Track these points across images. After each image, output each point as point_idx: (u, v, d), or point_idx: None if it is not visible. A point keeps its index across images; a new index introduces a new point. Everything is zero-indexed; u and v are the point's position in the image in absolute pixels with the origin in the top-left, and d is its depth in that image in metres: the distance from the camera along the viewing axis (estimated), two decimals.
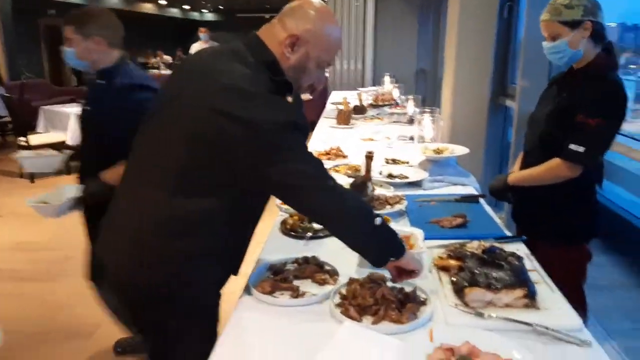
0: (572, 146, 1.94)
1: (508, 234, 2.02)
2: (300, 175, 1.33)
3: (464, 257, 1.65)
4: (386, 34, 8.52)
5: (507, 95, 4.29)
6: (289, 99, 1.45)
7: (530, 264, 1.72)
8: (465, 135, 4.05)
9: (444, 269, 1.68)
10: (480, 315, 1.41)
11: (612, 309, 3.16)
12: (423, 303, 1.50)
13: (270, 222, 2.13)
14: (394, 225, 1.99)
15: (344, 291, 1.54)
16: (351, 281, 1.57)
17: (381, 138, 3.96)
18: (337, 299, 1.51)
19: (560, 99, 2.09)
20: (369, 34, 8.55)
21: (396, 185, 2.64)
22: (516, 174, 2.23)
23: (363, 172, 2.30)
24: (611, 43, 2.04)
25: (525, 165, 2.25)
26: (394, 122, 4.63)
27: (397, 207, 2.29)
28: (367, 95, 5.77)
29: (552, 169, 2.03)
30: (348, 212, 1.43)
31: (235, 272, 1.61)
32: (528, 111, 2.46)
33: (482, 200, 2.41)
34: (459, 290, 1.50)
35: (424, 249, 1.75)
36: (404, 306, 1.45)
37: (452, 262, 1.67)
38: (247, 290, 1.55)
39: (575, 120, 1.95)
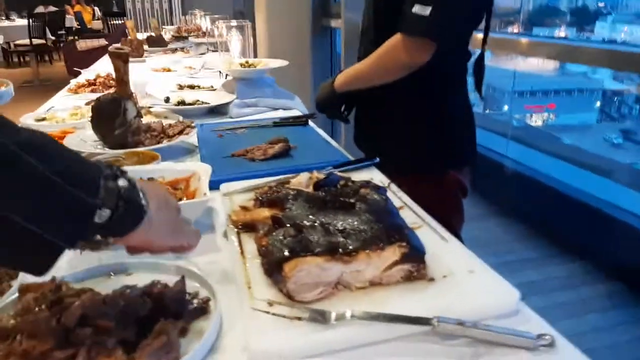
0: (416, 8, 1.23)
1: (351, 158, 1.29)
2: None
3: (282, 200, 0.86)
4: None
5: (330, 16, 3.63)
6: None
7: (395, 196, 1.00)
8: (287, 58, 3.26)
9: (248, 228, 0.87)
10: (322, 318, 0.63)
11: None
12: (200, 312, 0.68)
13: None
14: (158, 166, 1.11)
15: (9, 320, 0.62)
16: (24, 289, 0.66)
17: (181, 69, 2.99)
18: None
19: None
20: None
21: (188, 115, 1.74)
22: (343, 73, 1.48)
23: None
24: None
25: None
26: (202, 54, 3.67)
27: (181, 140, 1.41)
28: (170, 29, 4.67)
29: (388, 52, 1.30)
30: None
31: None
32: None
33: (312, 124, 1.66)
34: (273, 269, 0.70)
35: (209, 197, 0.91)
36: (144, 333, 0.60)
37: (263, 214, 0.86)
38: None
39: None
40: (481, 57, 1.47)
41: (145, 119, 1.52)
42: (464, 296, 0.67)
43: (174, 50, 3.86)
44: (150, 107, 1.83)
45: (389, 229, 0.73)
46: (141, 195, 0.58)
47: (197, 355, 0.60)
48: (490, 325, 0.61)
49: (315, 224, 0.75)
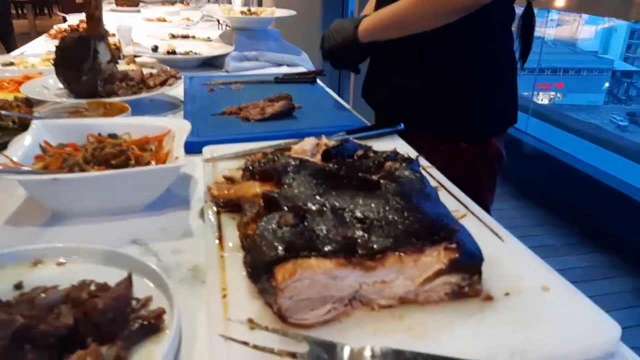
0: None
1: (367, 123, 1.05)
2: None
3: (279, 172, 0.62)
4: None
5: None
6: None
7: (427, 174, 0.77)
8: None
9: (232, 207, 0.65)
10: (329, 355, 0.41)
11: None
12: (148, 331, 0.46)
13: None
14: (124, 120, 0.89)
15: None
16: None
17: (177, 20, 2.72)
18: None
19: None
20: None
21: (178, 67, 1.49)
22: (371, 18, 1.18)
23: None
24: None
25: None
26: (201, 7, 3.39)
27: (162, 92, 1.17)
28: None
29: None
30: None
31: None
32: None
33: (321, 83, 1.42)
34: (260, 273, 0.48)
35: (181, 162, 0.68)
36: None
37: (252, 189, 0.63)
38: None
39: None
40: (530, 13, 1.20)
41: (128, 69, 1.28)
42: (541, 330, 0.45)
43: (173, 2, 3.58)
44: (134, 56, 1.59)
45: (430, 222, 0.50)
46: None
47: None
48: None
49: (325, 209, 0.52)
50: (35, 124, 0.76)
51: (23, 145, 0.70)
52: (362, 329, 0.45)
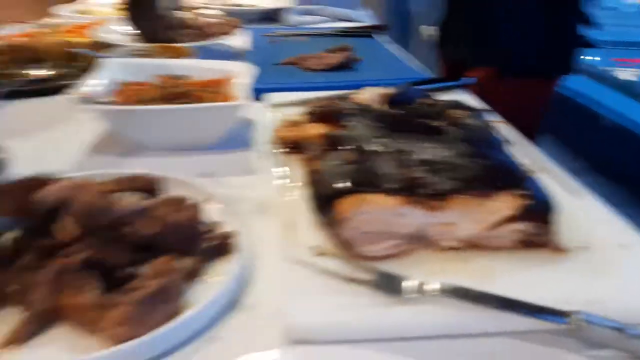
0: None
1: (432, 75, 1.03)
2: None
3: (342, 115, 0.63)
4: None
5: None
6: None
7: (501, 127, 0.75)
8: None
9: (296, 148, 0.66)
10: (392, 285, 0.42)
11: None
12: (220, 250, 0.48)
13: None
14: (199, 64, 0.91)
15: None
16: None
17: None
18: None
19: None
20: None
21: (239, 18, 1.49)
22: None
23: None
24: None
25: None
26: None
27: (227, 40, 1.18)
28: None
29: None
30: None
31: None
32: None
33: (381, 38, 1.38)
34: (324, 205, 0.49)
35: (244, 101, 0.70)
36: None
37: (315, 130, 0.64)
38: None
39: None
40: None
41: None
42: (618, 283, 0.43)
43: None
44: (199, 7, 1.61)
45: (499, 168, 0.49)
46: None
47: (207, 312, 0.41)
48: None
49: (388, 150, 0.52)
50: (108, 63, 0.80)
51: (100, 81, 0.73)
52: (425, 267, 0.46)
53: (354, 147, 0.53)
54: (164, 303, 0.41)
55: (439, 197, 0.47)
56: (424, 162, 0.50)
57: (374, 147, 0.53)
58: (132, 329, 0.38)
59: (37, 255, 0.42)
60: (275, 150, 0.66)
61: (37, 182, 0.45)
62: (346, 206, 0.45)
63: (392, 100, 0.69)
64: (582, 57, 1.24)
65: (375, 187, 0.46)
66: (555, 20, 1.15)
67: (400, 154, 0.51)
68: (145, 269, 0.43)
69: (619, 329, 0.37)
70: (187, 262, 0.45)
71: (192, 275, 0.45)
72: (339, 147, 0.54)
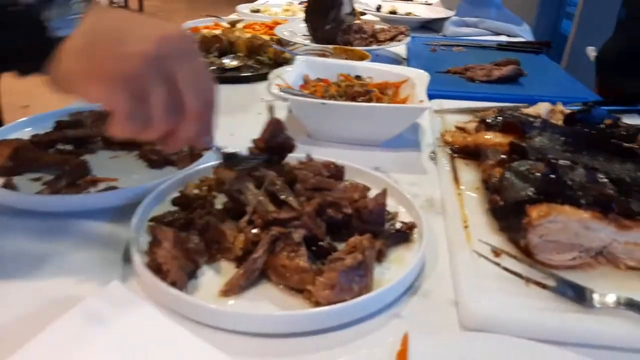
0: None
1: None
2: None
3: (525, 124, 0.64)
4: None
5: None
6: None
7: None
8: None
9: (465, 153, 0.69)
10: (578, 295, 0.43)
11: None
12: (401, 238, 0.53)
13: None
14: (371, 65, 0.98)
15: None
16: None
17: None
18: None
19: None
20: None
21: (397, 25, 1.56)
22: None
23: None
24: None
25: None
26: None
27: (391, 47, 1.24)
28: None
29: None
30: None
31: None
32: None
33: (544, 56, 1.35)
34: (508, 211, 0.51)
35: (426, 104, 0.74)
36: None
37: (493, 139, 0.67)
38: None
39: None
40: None
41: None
42: None
43: None
44: (361, 13, 1.70)
45: None
46: None
47: (397, 289, 0.46)
48: None
49: (577, 166, 0.53)
50: (299, 59, 0.90)
51: (292, 75, 0.83)
52: (606, 282, 0.46)
53: (542, 158, 0.55)
54: (360, 276, 0.46)
55: (631, 217, 0.47)
56: (615, 182, 0.51)
57: (562, 161, 0.54)
58: (337, 294, 0.44)
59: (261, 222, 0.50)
60: (444, 153, 0.70)
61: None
62: (536, 213, 0.47)
63: (572, 118, 0.69)
64: None
65: (566, 199, 0.48)
66: None
67: (591, 170, 0.52)
68: (343, 245, 0.49)
69: None
70: (377, 243, 0.51)
71: (379, 256, 0.51)
72: (523, 157, 0.56)
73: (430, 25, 1.69)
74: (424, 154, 0.78)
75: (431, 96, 0.93)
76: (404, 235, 0.54)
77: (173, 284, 0.43)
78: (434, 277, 0.50)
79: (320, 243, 0.49)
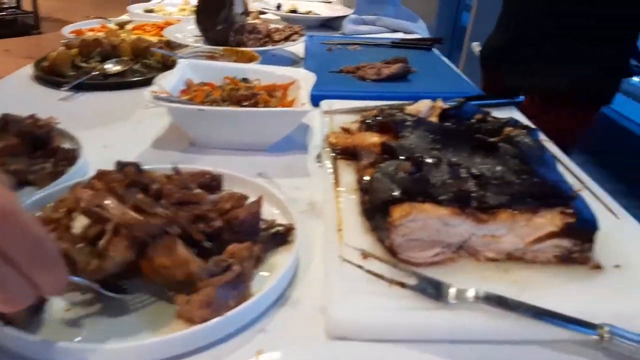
0: None
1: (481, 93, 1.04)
2: None
3: (397, 125, 0.66)
4: None
5: None
6: None
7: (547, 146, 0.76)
8: None
9: (348, 155, 0.69)
10: (435, 290, 0.44)
11: None
12: (279, 241, 0.52)
13: None
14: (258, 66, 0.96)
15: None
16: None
17: None
18: None
19: None
20: None
21: (297, 24, 1.55)
22: None
23: None
24: None
25: None
26: None
27: (286, 46, 1.24)
28: None
29: None
30: None
31: None
32: None
33: (436, 51, 1.40)
34: (375, 211, 0.52)
35: (308, 108, 0.74)
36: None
37: (370, 139, 0.68)
38: None
39: None
40: None
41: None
42: None
43: None
44: (260, 12, 1.68)
45: (548, 186, 0.51)
46: None
47: (263, 301, 0.45)
48: None
49: (441, 162, 0.55)
50: (181, 63, 0.86)
51: (172, 80, 0.80)
52: (467, 275, 0.48)
53: (408, 156, 0.56)
54: (238, 290, 0.45)
55: (488, 210, 0.49)
56: (476, 177, 0.53)
57: (429, 159, 0.56)
58: (213, 311, 0.41)
59: None
60: (328, 156, 0.70)
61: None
62: (398, 213, 0.48)
63: (446, 115, 0.72)
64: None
65: (428, 197, 0.49)
66: (600, 52, 1.17)
67: (454, 166, 0.54)
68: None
69: None
70: (255, 249, 0.49)
71: (257, 262, 0.50)
72: (394, 157, 0.57)
73: (331, 24, 1.71)
74: (310, 157, 0.78)
75: (323, 97, 0.94)
76: (282, 238, 0.53)
77: (10, 322, 0.39)
78: (305, 285, 0.50)
79: (202, 244, 0.47)
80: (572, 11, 1.15)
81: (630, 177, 2.72)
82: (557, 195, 0.50)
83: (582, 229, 0.48)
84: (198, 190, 0.53)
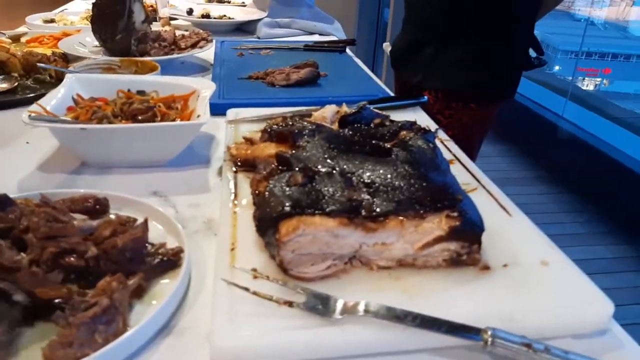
0: None
1: (391, 94, 1.06)
2: None
3: (295, 135, 0.64)
4: None
5: None
6: None
7: (443, 146, 0.78)
8: None
9: (249, 166, 0.67)
10: (323, 307, 0.43)
11: None
12: (167, 266, 0.49)
13: None
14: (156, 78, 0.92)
15: None
16: None
17: None
18: None
19: None
20: None
21: (211, 31, 1.51)
22: None
23: None
24: None
25: None
26: None
27: (194, 53, 1.19)
28: None
29: None
30: None
31: None
32: None
33: (350, 52, 1.41)
34: (266, 227, 0.50)
35: (203, 120, 0.71)
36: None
37: (267, 150, 0.66)
38: None
39: None
40: None
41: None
42: (533, 299, 0.46)
43: None
44: (170, 18, 1.62)
45: (435, 190, 0.51)
46: None
47: (143, 334, 0.42)
48: (571, 353, 0.41)
49: (334, 172, 0.54)
50: (69, 77, 0.80)
51: (56, 97, 0.74)
52: (359, 286, 0.47)
53: (301, 167, 0.55)
54: (106, 324, 0.41)
55: (376, 219, 0.49)
56: (367, 184, 0.52)
57: (322, 169, 0.54)
58: (77, 351, 0.38)
59: None
60: (228, 169, 0.67)
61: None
62: (285, 229, 0.46)
63: (348, 120, 0.71)
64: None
65: (317, 209, 0.48)
66: (492, 48, 1.22)
67: (346, 175, 0.53)
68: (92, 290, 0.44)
69: (527, 345, 0.39)
70: (135, 280, 0.46)
71: (139, 292, 0.46)
72: (288, 168, 0.56)
73: (246, 28, 1.68)
74: (212, 170, 0.75)
75: (230, 105, 0.91)
76: (170, 263, 0.50)
77: None
78: (196, 311, 0.47)
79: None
80: (463, 10, 1.20)
81: (551, 163, 2.90)
82: (443, 199, 0.50)
83: (467, 231, 0.49)
84: (70, 219, 0.49)
